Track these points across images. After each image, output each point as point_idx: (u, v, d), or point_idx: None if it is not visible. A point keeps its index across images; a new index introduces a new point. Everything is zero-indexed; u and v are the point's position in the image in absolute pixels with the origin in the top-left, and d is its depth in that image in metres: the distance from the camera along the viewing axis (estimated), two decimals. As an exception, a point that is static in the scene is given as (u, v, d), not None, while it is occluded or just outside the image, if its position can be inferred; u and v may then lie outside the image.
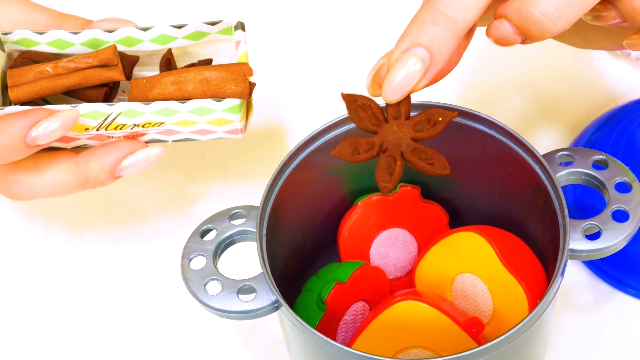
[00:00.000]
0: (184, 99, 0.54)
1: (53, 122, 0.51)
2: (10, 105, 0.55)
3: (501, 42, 0.48)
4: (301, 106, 0.70)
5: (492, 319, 0.56)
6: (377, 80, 0.48)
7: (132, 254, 0.65)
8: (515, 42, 0.48)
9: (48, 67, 0.54)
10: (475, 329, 0.54)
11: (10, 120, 0.51)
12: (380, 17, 0.73)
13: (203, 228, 0.53)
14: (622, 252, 0.60)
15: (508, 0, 0.47)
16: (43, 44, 0.57)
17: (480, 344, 0.48)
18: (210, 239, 0.53)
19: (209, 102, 0.53)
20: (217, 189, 0.67)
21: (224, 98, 0.53)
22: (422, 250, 0.59)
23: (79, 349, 0.62)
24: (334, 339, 0.55)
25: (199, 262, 0.52)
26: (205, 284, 0.51)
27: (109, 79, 0.54)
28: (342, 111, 0.54)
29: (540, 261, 0.56)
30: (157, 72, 0.58)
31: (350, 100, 0.47)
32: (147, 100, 0.54)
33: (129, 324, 0.62)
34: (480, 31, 0.50)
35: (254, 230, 0.52)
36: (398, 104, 0.47)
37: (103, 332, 0.62)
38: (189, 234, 0.53)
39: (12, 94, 0.53)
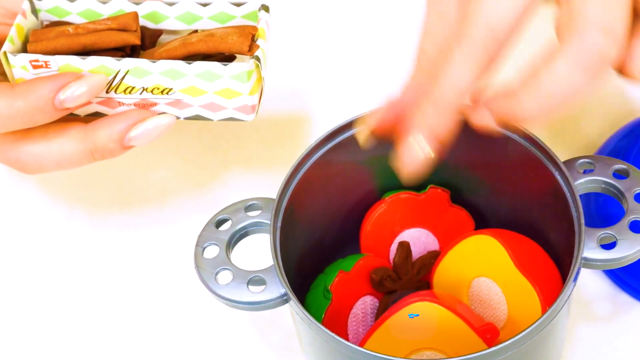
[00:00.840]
0: (188, 53, 0.54)
1: (81, 86, 0.52)
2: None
3: (483, 129, 0.49)
4: (326, 97, 0.70)
5: (507, 324, 0.56)
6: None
7: (151, 241, 0.65)
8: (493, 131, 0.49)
9: (69, 28, 0.55)
10: (490, 335, 0.53)
11: (38, 82, 0.52)
12: (408, 9, 0.73)
13: (219, 218, 0.53)
14: (643, 263, 0.59)
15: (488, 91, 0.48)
16: (74, 14, 0.57)
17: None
18: (225, 229, 0.53)
19: (215, 66, 0.53)
20: (238, 182, 0.67)
21: (227, 55, 0.54)
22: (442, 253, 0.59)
23: (94, 332, 0.62)
24: (344, 333, 0.56)
25: (212, 251, 0.52)
26: (217, 273, 0.51)
27: (124, 41, 0.54)
28: (365, 104, 0.54)
29: (558, 268, 0.56)
30: None
31: (377, 280, 0.57)
32: (153, 58, 0.54)
33: (145, 310, 0.63)
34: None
35: (269, 222, 0.53)
36: (407, 264, 0.58)
37: (120, 317, 0.63)
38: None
39: (30, 47, 0.54)
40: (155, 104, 0.55)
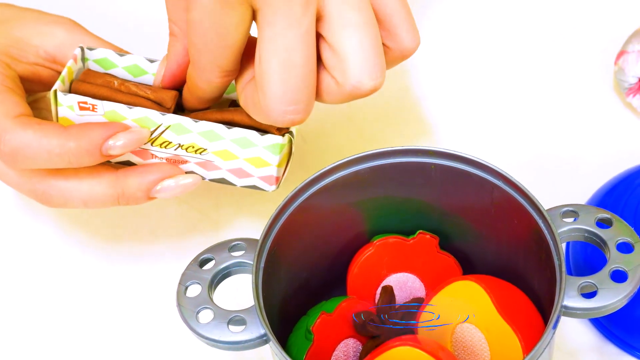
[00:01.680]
0: (222, 119, 0.57)
1: (127, 137, 0.56)
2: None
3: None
4: (318, 139, 0.70)
5: (489, 371, 0.56)
6: None
7: (138, 279, 0.66)
8: None
9: (115, 81, 0.58)
10: (471, 383, 0.53)
11: (92, 127, 0.56)
12: (409, 71, 0.74)
13: (202, 257, 0.54)
14: (630, 314, 0.59)
15: None
16: (120, 67, 0.60)
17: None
18: (208, 268, 0.53)
19: (252, 134, 0.56)
20: (229, 223, 0.67)
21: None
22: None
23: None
24: (326, 378, 0.56)
25: (194, 290, 0.52)
26: (198, 312, 0.51)
27: None
28: (354, 151, 0.56)
29: (541, 315, 0.55)
30: None
31: (360, 324, 0.56)
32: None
33: (130, 349, 0.63)
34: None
35: (252, 262, 0.53)
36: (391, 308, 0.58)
37: (106, 351, 0.63)
38: (191, 262, 0.54)
39: (74, 85, 0.58)
40: (185, 162, 0.58)
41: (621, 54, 0.68)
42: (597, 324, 0.61)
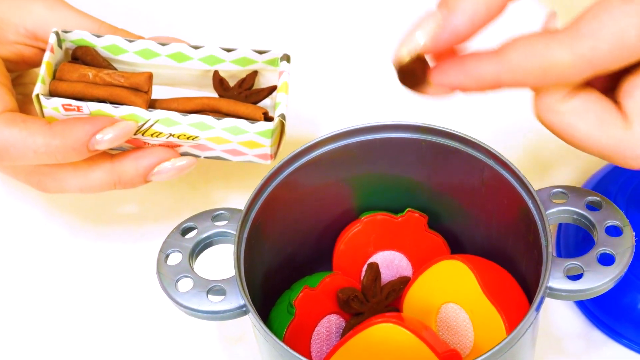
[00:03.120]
0: (208, 107, 0.57)
1: (114, 130, 0.55)
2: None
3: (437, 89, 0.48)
4: (309, 117, 0.70)
5: (472, 351, 0.55)
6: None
7: (125, 248, 0.65)
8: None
9: (90, 73, 0.57)
10: (453, 362, 0.53)
11: (76, 124, 0.55)
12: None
13: (184, 226, 0.53)
14: (618, 301, 0.58)
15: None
16: (98, 47, 0.59)
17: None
18: (191, 237, 0.53)
19: (242, 123, 0.56)
20: (218, 196, 0.67)
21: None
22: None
23: (62, 342, 0.62)
24: (307, 352, 0.55)
25: (175, 259, 0.52)
26: (177, 281, 0.51)
27: (132, 103, 0.56)
28: (344, 125, 0.55)
29: (528, 298, 0.55)
30: (201, 93, 0.60)
31: (344, 300, 0.56)
32: (172, 105, 0.57)
33: (116, 325, 0.62)
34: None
35: (234, 232, 0.52)
36: (375, 286, 0.57)
37: (89, 331, 0.62)
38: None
39: (52, 86, 0.57)
40: (179, 145, 0.57)
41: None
42: (584, 310, 0.60)
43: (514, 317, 0.53)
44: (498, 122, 0.69)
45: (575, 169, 0.66)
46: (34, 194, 0.67)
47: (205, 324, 0.61)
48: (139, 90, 0.57)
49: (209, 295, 0.50)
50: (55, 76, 0.57)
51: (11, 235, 0.66)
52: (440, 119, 0.68)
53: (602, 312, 0.60)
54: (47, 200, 0.67)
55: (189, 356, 0.61)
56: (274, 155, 0.58)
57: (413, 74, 0.47)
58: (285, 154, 0.55)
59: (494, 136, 0.66)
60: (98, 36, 0.59)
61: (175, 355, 0.61)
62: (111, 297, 0.63)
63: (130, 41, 0.59)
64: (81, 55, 0.58)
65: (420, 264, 0.59)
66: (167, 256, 0.52)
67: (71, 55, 0.59)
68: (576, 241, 0.61)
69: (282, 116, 0.56)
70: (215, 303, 0.50)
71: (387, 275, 0.59)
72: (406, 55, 0.47)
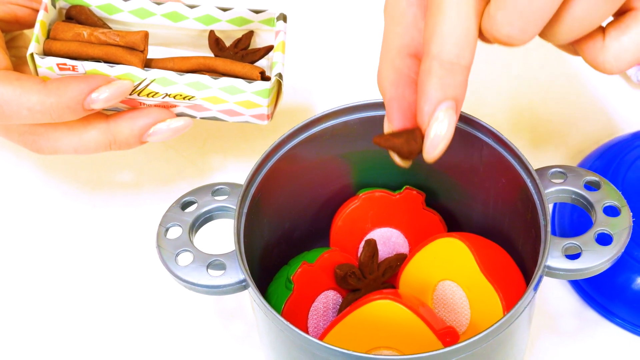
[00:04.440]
0: (205, 67, 0.57)
1: (110, 89, 0.55)
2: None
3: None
4: (312, 95, 0.70)
5: (469, 329, 0.55)
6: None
7: (122, 221, 0.65)
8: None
9: (85, 32, 0.56)
10: (450, 338, 0.53)
11: (71, 83, 0.54)
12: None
13: (184, 200, 0.53)
14: (612, 280, 0.59)
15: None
16: (94, 6, 0.59)
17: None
18: (190, 211, 0.53)
19: (239, 82, 0.55)
20: (214, 169, 0.67)
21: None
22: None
23: (56, 311, 0.62)
24: (304, 327, 0.55)
25: (174, 232, 0.52)
26: (177, 255, 0.51)
27: (128, 62, 0.56)
28: (349, 99, 0.55)
29: (524, 277, 0.55)
30: (196, 53, 0.60)
31: (341, 276, 0.56)
32: (169, 64, 0.56)
33: (112, 295, 0.62)
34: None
35: (234, 207, 0.52)
36: (373, 263, 0.57)
37: (84, 301, 0.62)
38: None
39: (46, 45, 0.56)
40: (175, 106, 0.57)
41: (619, 20, 0.68)
42: (578, 289, 0.61)
43: (510, 295, 0.54)
44: (488, 102, 0.69)
45: (569, 149, 0.67)
46: (29, 161, 0.67)
47: (201, 298, 0.61)
48: (134, 49, 0.56)
49: (208, 270, 0.50)
50: (49, 35, 0.57)
51: (7, 203, 0.66)
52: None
53: (596, 291, 0.60)
54: (44, 167, 0.67)
55: (185, 330, 0.61)
56: (270, 116, 0.58)
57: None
58: (285, 128, 0.55)
59: (486, 116, 0.66)
60: None
61: (171, 329, 0.61)
62: (107, 267, 0.63)
63: (126, 0, 0.58)
64: (75, 15, 0.58)
65: (417, 242, 0.59)
66: (167, 230, 0.52)
67: (65, 14, 0.59)
68: (571, 221, 0.62)
69: (279, 75, 0.56)
70: (215, 277, 0.50)
71: (384, 252, 0.59)
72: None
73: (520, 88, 0.70)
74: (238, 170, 0.67)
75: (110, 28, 0.58)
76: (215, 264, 0.51)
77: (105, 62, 0.56)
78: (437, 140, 0.46)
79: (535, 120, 0.68)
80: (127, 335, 0.61)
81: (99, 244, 0.64)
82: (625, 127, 0.67)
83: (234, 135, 0.68)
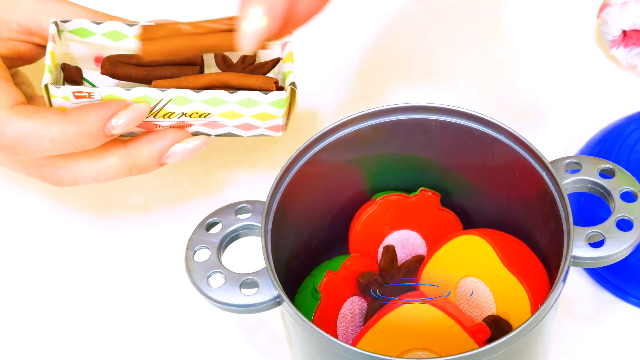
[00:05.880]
0: (219, 83, 0.57)
1: (128, 114, 0.55)
2: (65, 84, 0.58)
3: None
4: (316, 106, 0.70)
5: (494, 323, 0.56)
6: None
7: (138, 245, 0.65)
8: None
9: (186, 26, 0.54)
10: (482, 335, 0.54)
11: (91, 110, 0.55)
12: (411, 29, 0.74)
13: (209, 221, 0.53)
14: (625, 261, 0.60)
15: None
16: (98, 35, 0.59)
17: (480, 347, 0.49)
18: (216, 232, 0.53)
19: (256, 95, 0.55)
20: (223, 185, 0.67)
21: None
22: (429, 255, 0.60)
23: (80, 331, 0.62)
24: (334, 334, 0.56)
25: (203, 255, 0.52)
26: (209, 277, 0.51)
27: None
28: (359, 109, 0.56)
29: (544, 267, 0.56)
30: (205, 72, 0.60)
31: (364, 285, 0.57)
32: (183, 83, 0.56)
33: (132, 317, 0.63)
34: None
35: (259, 224, 0.53)
36: (393, 268, 0.58)
37: (107, 325, 0.62)
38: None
39: (144, 46, 0.54)
40: (190, 125, 0.57)
41: (604, 6, 0.69)
42: (592, 273, 0.62)
43: (535, 286, 0.55)
44: (482, 94, 0.70)
45: (564, 138, 0.68)
46: (35, 192, 0.67)
47: (220, 315, 0.61)
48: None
49: (242, 289, 0.51)
50: (141, 37, 0.54)
51: (16, 232, 0.66)
52: (440, 98, 0.70)
53: (610, 273, 0.61)
54: (49, 197, 0.66)
55: (210, 348, 0.61)
56: (285, 127, 0.58)
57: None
58: (288, 137, 0.55)
59: (479, 109, 0.67)
60: (97, 23, 0.58)
61: (196, 350, 0.61)
62: (123, 291, 0.63)
63: (130, 25, 0.58)
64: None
65: (434, 242, 0.60)
66: (194, 253, 0.52)
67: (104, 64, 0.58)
68: (577, 211, 0.62)
69: (294, 84, 0.56)
70: (249, 296, 0.51)
71: (403, 254, 0.60)
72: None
73: (509, 80, 0.71)
74: (245, 184, 0.67)
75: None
76: (247, 282, 0.51)
77: (215, 52, 0.57)
78: (244, 35, 0.52)
79: (530, 112, 0.69)
80: (151, 355, 0.61)
81: (113, 269, 0.64)
82: (618, 111, 0.68)
83: (235, 148, 0.68)
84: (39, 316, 0.63)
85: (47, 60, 0.56)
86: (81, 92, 0.55)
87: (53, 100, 0.55)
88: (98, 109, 0.55)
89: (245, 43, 0.52)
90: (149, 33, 0.54)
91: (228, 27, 0.54)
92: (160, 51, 0.54)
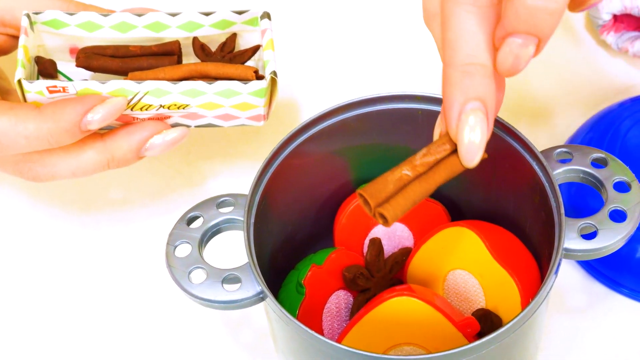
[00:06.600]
0: (197, 73, 0.56)
1: (104, 108, 0.53)
2: (39, 78, 0.57)
3: (517, 64, 0.44)
4: (299, 96, 0.69)
5: (484, 317, 0.55)
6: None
7: (118, 240, 0.64)
8: (529, 54, 0.44)
9: (406, 171, 0.46)
10: (471, 329, 0.52)
11: (66, 106, 0.53)
12: (396, 16, 0.72)
13: (190, 215, 0.52)
14: (617, 252, 0.58)
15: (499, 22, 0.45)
16: (72, 26, 0.57)
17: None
18: (197, 226, 0.51)
19: (235, 85, 0.54)
20: (203, 178, 0.66)
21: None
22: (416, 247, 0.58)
23: (60, 327, 0.61)
24: (319, 329, 0.55)
25: (184, 250, 0.51)
26: (190, 272, 0.50)
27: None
28: (343, 98, 0.54)
29: (534, 259, 0.55)
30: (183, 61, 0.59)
31: (350, 278, 0.55)
32: (158, 74, 0.55)
33: (113, 314, 0.61)
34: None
35: (242, 218, 0.51)
36: (379, 261, 0.57)
37: (87, 322, 0.61)
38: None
39: (385, 213, 0.43)
40: (169, 117, 0.56)
41: (593, -10, 0.67)
42: (584, 265, 0.61)
43: (525, 278, 0.53)
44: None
45: (556, 125, 0.66)
46: (11, 187, 0.65)
47: (204, 311, 0.60)
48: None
49: (224, 285, 0.49)
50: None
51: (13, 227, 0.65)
52: (428, 87, 0.68)
53: (602, 264, 0.60)
54: (27, 191, 0.65)
55: (194, 345, 0.60)
56: (267, 116, 0.57)
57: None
58: (271, 129, 0.53)
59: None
60: (70, 14, 0.57)
61: (180, 345, 0.60)
62: (105, 285, 0.62)
63: (105, 15, 0.57)
64: (90, 52, 0.57)
65: (421, 233, 0.58)
66: (175, 248, 0.51)
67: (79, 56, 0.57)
68: (569, 200, 0.61)
69: (274, 73, 0.55)
70: (232, 292, 0.49)
71: (389, 246, 0.59)
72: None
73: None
74: (228, 176, 0.65)
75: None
76: (229, 278, 0.50)
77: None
78: (471, 147, 0.44)
79: (519, 100, 0.68)
80: (134, 352, 0.60)
81: (94, 263, 0.63)
82: (609, 97, 0.67)
83: (217, 140, 0.67)
84: (17, 311, 0.61)
85: (20, 54, 0.54)
86: (55, 86, 0.53)
87: (27, 96, 0.54)
88: (74, 104, 0.53)
89: (474, 159, 0.45)
90: (376, 198, 0.44)
91: (446, 152, 0.46)
92: (403, 210, 0.44)
